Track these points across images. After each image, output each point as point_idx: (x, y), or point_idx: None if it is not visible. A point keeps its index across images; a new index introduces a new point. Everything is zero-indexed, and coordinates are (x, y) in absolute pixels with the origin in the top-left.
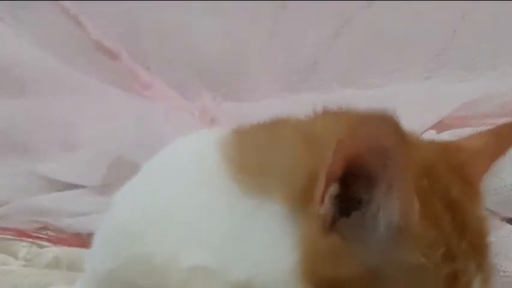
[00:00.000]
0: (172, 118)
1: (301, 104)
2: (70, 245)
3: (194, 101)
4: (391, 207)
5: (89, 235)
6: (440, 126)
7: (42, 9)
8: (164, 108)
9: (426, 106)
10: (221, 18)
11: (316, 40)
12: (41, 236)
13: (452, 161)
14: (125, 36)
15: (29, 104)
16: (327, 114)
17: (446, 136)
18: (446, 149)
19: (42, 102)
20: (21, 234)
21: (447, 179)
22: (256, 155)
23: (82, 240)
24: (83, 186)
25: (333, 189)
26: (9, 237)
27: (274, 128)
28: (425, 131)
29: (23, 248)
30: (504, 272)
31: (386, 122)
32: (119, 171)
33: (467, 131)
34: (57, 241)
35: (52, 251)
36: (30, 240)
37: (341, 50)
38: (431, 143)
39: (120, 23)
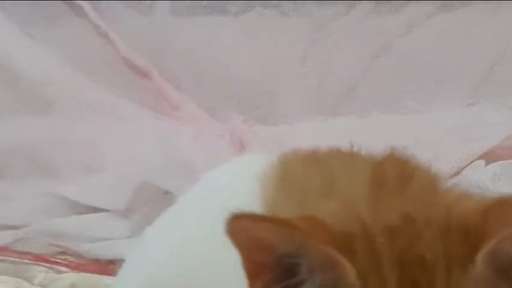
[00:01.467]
0: (202, 141)
1: (337, 129)
2: (88, 271)
3: (225, 124)
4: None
5: (109, 261)
6: (489, 156)
7: (72, 26)
8: (194, 131)
9: (473, 134)
10: (254, 40)
11: (352, 63)
12: (59, 261)
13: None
14: (156, 55)
15: (55, 123)
16: None
17: (496, 167)
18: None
19: (67, 122)
20: (39, 258)
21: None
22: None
23: (101, 266)
24: (106, 210)
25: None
26: (27, 261)
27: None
28: (473, 161)
29: (40, 273)
30: None
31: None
32: (145, 196)
33: None
34: (75, 267)
35: (70, 277)
36: (47, 265)
37: (378, 75)
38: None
39: (151, 41)
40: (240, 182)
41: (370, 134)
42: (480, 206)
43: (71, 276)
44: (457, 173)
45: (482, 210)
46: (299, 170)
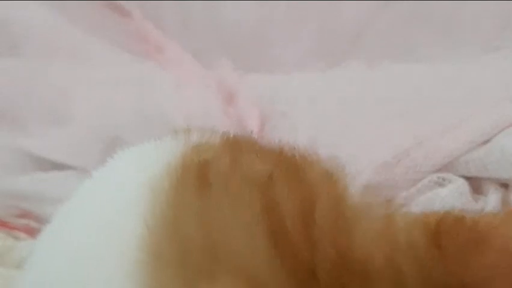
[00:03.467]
0: (185, 90)
1: (340, 79)
2: None
3: (212, 71)
4: None
5: None
6: None
7: None
8: (176, 78)
9: (502, 92)
10: None
11: (358, 5)
12: (17, 226)
13: None
14: None
15: (20, 66)
16: None
17: None
18: None
19: (34, 66)
20: None
21: None
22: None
23: None
24: (74, 168)
25: None
26: None
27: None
28: (506, 126)
29: None
30: None
31: None
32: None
33: None
34: (36, 233)
35: (28, 245)
36: (5, 229)
37: (387, 19)
38: None
39: None
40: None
41: (380, 86)
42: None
43: (30, 245)
44: (486, 141)
45: None
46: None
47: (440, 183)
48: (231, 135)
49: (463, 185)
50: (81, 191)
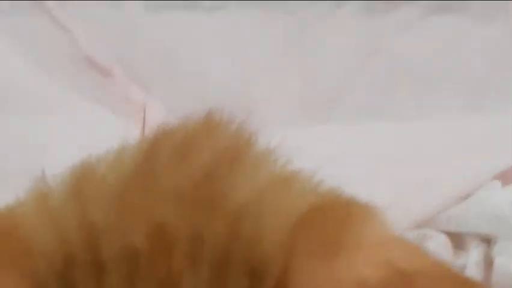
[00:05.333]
0: None
1: (323, 137)
2: None
3: None
4: None
5: None
6: (506, 177)
7: (29, 17)
8: None
9: (483, 147)
10: (232, 42)
11: (339, 66)
12: None
13: None
14: (124, 53)
15: (7, 121)
16: None
17: None
18: None
19: (18, 122)
20: None
21: None
22: None
23: None
24: None
25: None
26: None
27: None
28: (486, 180)
29: None
30: None
31: None
32: None
33: None
34: None
35: None
36: None
37: (367, 79)
38: None
39: (119, 37)
40: None
41: (361, 143)
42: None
43: None
44: (467, 196)
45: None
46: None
47: (421, 240)
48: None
49: (444, 240)
50: None
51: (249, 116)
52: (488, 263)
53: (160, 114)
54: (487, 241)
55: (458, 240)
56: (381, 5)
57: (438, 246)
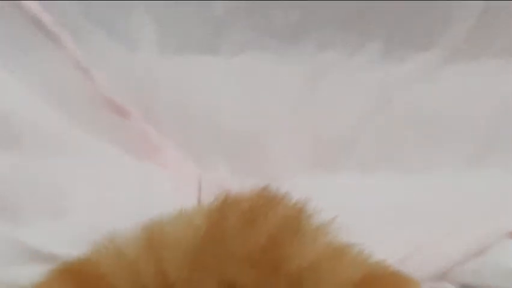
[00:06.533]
0: (182, 191)
1: (335, 186)
2: None
3: (210, 174)
4: None
5: None
6: None
7: (50, 57)
8: (172, 178)
9: (496, 204)
10: (247, 84)
11: (352, 115)
12: None
13: None
14: (139, 95)
15: (22, 160)
16: None
17: None
18: None
19: (36, 160)
20: None
21: None
22: None
23: None
24: None
25: None
26: None
27: None
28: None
29: None
30: None
31: None
32: None
33: None
34: None
35: None
36: None
37: (379, 129)
38: None
39: (135, 79)
40: None
41: (372, 194)
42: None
43: None
44: (478, 254)
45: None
46: None
47: None
48: None
49: None
50: None
51: (263, 163)
52: None
53: (176, 156)
54: None
55: None
56: (397, 52)
57: None
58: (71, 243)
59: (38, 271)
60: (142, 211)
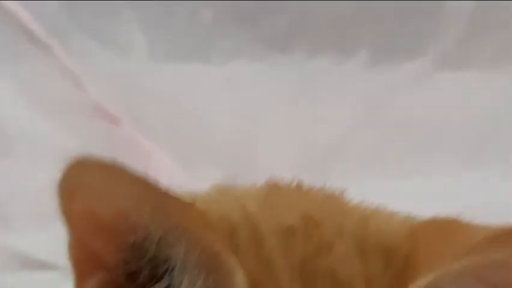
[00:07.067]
0: None
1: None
2: None
3: (200, 180)
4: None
5: None
6: None
7: (40, 66)
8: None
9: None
10: (238, 95)
11: (343, 121)
12: None
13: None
14: (130, 102)
15: (12, 168)
16: None
17: None
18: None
19: (26, 168)
20: None
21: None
22: None
23: None
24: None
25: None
26: None
27: None
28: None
29: None
30: None
31: None
32: None
33: None
34: None
35: None
36: None
37: (371, 134)
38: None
39: (125, 87)
40: None
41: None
42: (406, 226)
43: None
44: None
45: (409, 230)
46: None
47: None
48: None
49: None
50: None
51: (252, 169)
52: None
53: (165, 162)
54: None
55: None
56: (386, 60)
57: None
58: (61, 250)
59: (28, 278)
60: None
